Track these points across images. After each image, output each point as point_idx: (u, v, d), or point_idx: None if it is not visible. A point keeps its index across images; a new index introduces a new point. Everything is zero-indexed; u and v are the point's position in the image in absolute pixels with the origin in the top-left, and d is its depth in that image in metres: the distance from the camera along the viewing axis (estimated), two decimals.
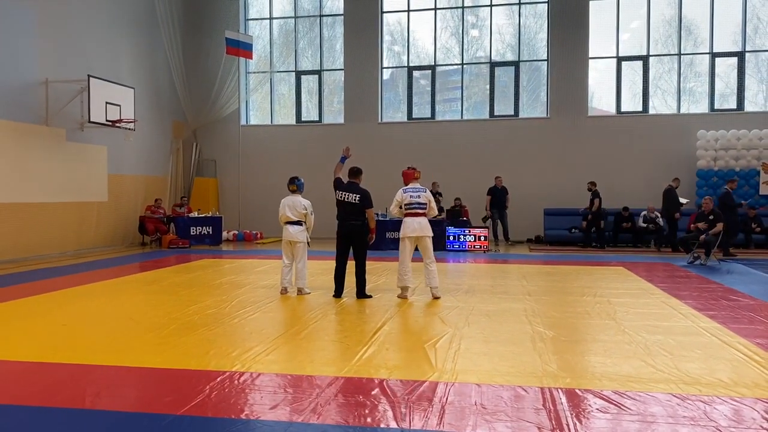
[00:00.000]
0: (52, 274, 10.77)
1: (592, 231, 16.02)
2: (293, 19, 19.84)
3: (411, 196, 8.39)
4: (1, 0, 12.54)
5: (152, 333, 6.25)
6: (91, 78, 13.77)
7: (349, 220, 8.22)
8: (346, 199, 8.22)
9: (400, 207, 8.41)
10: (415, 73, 19.27)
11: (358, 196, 8.20)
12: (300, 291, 8.60)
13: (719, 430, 3.68)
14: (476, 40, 19.12)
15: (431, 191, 16.45)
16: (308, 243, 8.76)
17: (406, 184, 8.57)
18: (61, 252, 13.97)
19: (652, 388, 4.44)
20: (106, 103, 14.19)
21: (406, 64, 19.29)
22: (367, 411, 4.00)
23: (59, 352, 5.57)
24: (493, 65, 18.68)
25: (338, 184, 8.36)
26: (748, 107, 17.48)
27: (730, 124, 16.92)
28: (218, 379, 4.64)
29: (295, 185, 8.74)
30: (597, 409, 4.04)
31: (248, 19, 20.05)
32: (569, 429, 3.69)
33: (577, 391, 4.39)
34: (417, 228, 8.30)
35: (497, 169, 17.36)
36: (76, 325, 6.75)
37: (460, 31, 18.92)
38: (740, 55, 17.39)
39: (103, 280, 10.13)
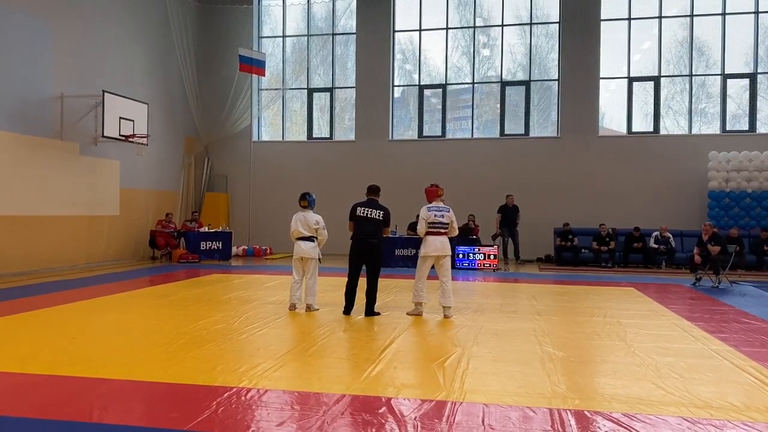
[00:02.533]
0: (62, 287, 10.83)
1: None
2: (306, 37, 20.04)
3: (435, 215, 8.38)
4: (17, 16, 12.77)
5: (160, 347, 6.26)
6: (105, 93, 13.95)
7: (369, 238, 8.15)
8: (369, 215, 8.17)
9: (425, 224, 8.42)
10: (426, 92, 19.36)
11: (381, 212, 8.20)
12: (309, 307, 8.58)
13: None
14: (487, 60, 19.22)
15: None
16: (319, 259, 8.74)
17: (430, 202, 8.55)
18: (72, 265, 14.05)
19: (662, 411, 4.39)
20: (120, 118, 14.36)
21: (417, 83, 19.40)
22: (374, 429, 3.97)
23: (68, 365, 5.58)
24: (504, 84, 18.75)
25: (355, 206, 8.34)
26: (760, 129, 17.41)
27: (742, 146, 16.85)
28: (225, 395, 4.63)
29: (306, 201, 8.73)
30: (606, 431, 3.99)
31: (261, 37, 20.27)
32: None
33: (586, 412, 4.34)
34: (440, 247, 8.33)
35: (507, 188, 17.33)
36: (86, 339, 6.77)
37: (471, 51, 19.03)
38: (752, 77, 17.37)
39: (112, 293, 10.17)
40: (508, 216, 16.67)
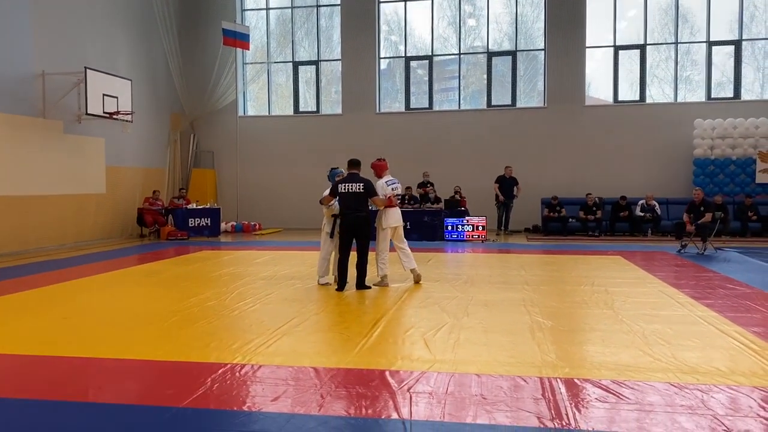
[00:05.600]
0: (50, 267, 10.79)
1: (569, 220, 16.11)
2: (290, 10, 19.77)
3: (393, 188, 8.61)
4: None
5: (152, 326, 6.28)
6: (87, 70, 13.72)
7: (355, 212, 8.17)
8: (350, 190, 8.19)
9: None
10: (413, 63, 19.23)
11: (361, 185, 8.20)
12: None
13: (716, 418, 3.73)
14: (473, 30, 19.08)
15: (425, 181, 16.72)
16: (330, 234, 8.58)
17: (381, 176, 8.68)
18: (60, 245, 13.98)
19: (649, 378, 4.48)
20: (103, 95, 14.16)
21: (403, 54, 19.25)
22: (368, 402, 4.03)
23: (60, 345, 5.60)
24: (490, 55, 18.65)
25: (337, 183, 8.33)
26: (745, 95, 17.49)
27: (726, 113, 16.94)
28: (219, 372, 4.67)
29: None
30: (595, 398, 4.08)
31: (245, 10, 19.97)
32: (568, 418, 3.73)
33: (575, 380, 4.43)
34: (398, 218, 8.67)
35: (494, 159, 17.38)
36: (76, 318, 6.77)
37: (457, 21, 18.87)
38: (737, 44, 17.38)
39: (102, 272, 10.15)
40: (505, 187, 16.72)
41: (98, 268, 10.59)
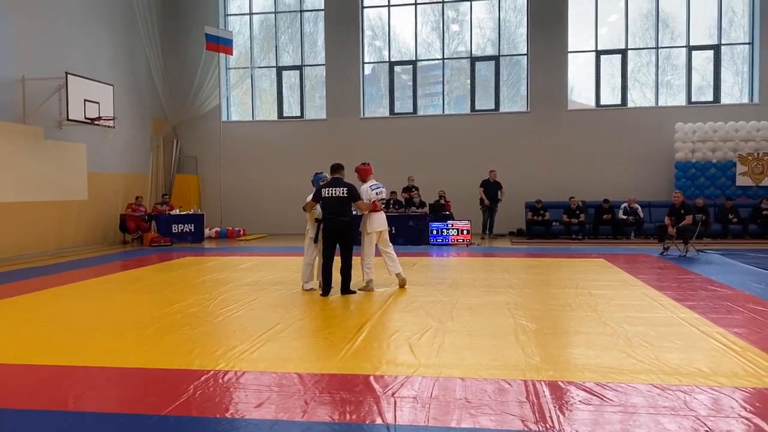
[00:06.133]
0: (31, 275, 10.65)
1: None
2: (273, 15, 19.74)
3: (378, 193, 8.60)
4: None
5: (135, 332, 6.21)
6: (69, 75, 13.59)
7: (338, 217, 8.16)
8: (333, 194, 8.16)
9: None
10: (397, 68, 19.27)
11: (345, 189, 8.18)
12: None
13: (699, 419, 3.75)
14: (457, 35, 19.17)
15: (410, 185, 16.73)
16: (313, 239, 8.55)
17: (365, 180, 8.68)
18: (41, 252, 13.81)
19: (633, 379, 4.51)
20: (85, 100, 14.03)
21: (387, 59, 19.29)
22: (352, 407, 4.01)
23: (40, 353, 5.52)
24: (473, 60, 18.75)
25: (320, 188, 8.30)
26: (725, 99, 17.72)
27: (707, 117, 17.15)
28: (202, 378, 4.63)
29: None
30: (579, 401, 4.09)
31: (228, 15, 19.91)
32: (552, 421, 3.74)
33: (559, 383, 4.44)
34: (383, 222, 8.68)
35: (479, 163, 17.46)
36: (57, 326, 6.68)
37: (441, 26, 18.95)
38: (716, 48, 17.61)
39: (84, 279, 10.03)
40: (490, 191, 16.79)
41: (80, 275, 10.47)
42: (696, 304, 7.27)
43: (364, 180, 8.69)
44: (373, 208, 8.50)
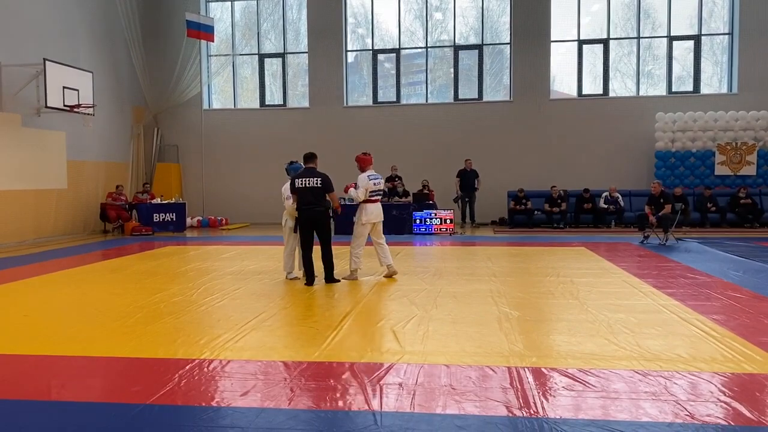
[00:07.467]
0: (10, 264, 10.51)
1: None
2: (255, 1, 19.54)
3: (375, 183, 8.58)
4: None
5: (117, 322, 6.17)
6: (47, 62, 13.36)
7: (313, 207, 8.13)
8: (307, 185, 8.12)
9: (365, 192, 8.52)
10: (380, 57, 19.20)
11: (319, 179, 8.16)
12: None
13: (679, 403, 3.82)
14: (440, 23, 19.12)
15: (393, 174, 16.73)
16: (293, 229, 8.56)
17: (364, 170, 8.65)
18: (20, 241, 13.62)
19: (614, 365, 4.57)
20: (64, 87, 13.81)
21: (370, 48, 19.20)
22: (338, 395, 4.03)
23: (21, 343, 5.47)
24: (456, 49, 18.73)
25: (294, 179, 8.27)
26: (704, 90, 17.90)
27: (687, 107, 17.32)
28: (187, 367, 4.62)
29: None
30: (562, 387, 4.15)
31: (209, 1, 19.67)
32: (536, 407, 3.78)
33: (542, 369, 4.49)
34: (378, 213, 8.65)
35: (461, 153, 17.48)
36: (38, 316, 6.62)
37: (424, 14, 18.89)
38: (696, 39, 17.77)
39: (64, 269, 9.92)
40: (466, 180, 16.85)
41: (60, 265, 10.36)
42: (675, 292, 7.38)
43: (363, 169, 8.65)
44: (368, 200, 8.46)
